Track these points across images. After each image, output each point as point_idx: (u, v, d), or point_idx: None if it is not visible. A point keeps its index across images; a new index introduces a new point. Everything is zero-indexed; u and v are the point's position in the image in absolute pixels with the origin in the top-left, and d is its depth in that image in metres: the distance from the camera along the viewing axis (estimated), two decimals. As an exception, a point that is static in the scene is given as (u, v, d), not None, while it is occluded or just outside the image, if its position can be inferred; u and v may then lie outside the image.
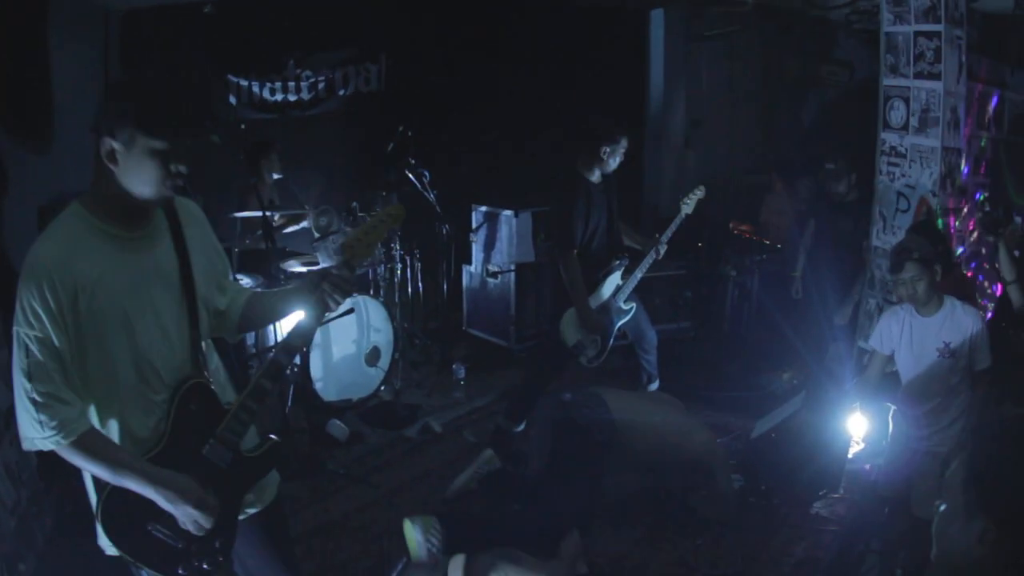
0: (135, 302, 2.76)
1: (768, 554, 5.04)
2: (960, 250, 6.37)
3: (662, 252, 6.49)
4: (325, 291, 2.95)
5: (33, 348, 2.57)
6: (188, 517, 2.79)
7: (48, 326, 2.57)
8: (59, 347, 2.60)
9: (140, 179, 2.67)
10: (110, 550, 2.84)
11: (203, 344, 3.00)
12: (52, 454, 2.65)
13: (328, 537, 5.23)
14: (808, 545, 5.10)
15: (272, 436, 3.11)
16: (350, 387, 7.03)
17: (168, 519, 2.80)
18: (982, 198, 6.32)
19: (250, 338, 6.90)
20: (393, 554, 4.51)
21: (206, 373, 2.97)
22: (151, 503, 2.75)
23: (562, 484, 5.02)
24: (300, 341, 3.02)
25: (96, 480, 2.77)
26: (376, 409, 7.10)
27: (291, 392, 6.49)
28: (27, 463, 4.40)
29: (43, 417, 2.58)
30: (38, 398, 2.57)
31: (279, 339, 6.48)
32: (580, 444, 5.11)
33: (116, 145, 2.63)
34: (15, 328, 2.59)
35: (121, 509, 2.76)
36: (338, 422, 6.54)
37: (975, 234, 6.48)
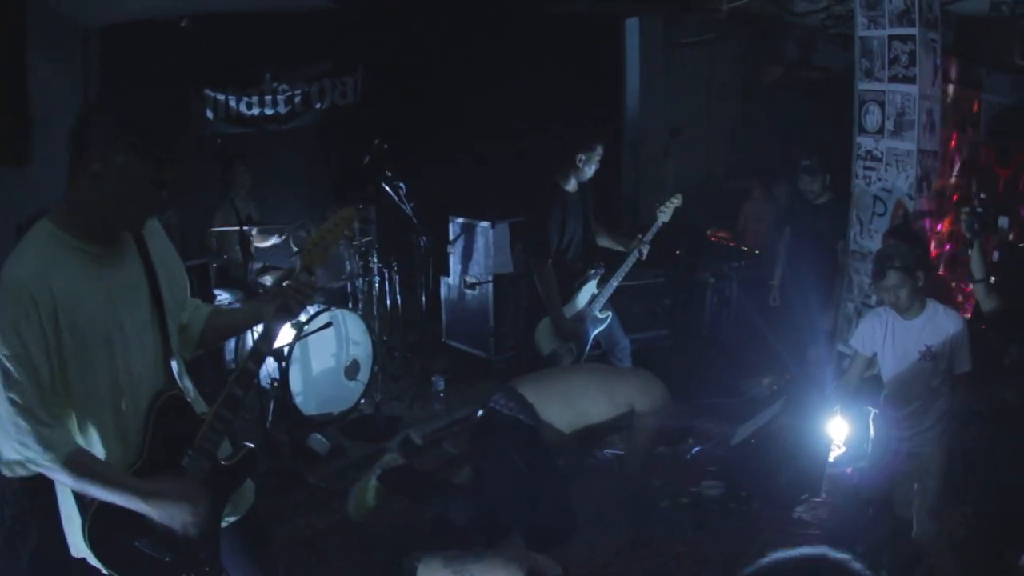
0: (111, 317, 2.75)
1: (750, 561, 5.03)
2: (938, 251, 6.40)
3: (645, 252, 6.50)
4: (288, 295, 2.97)
5: (12, 368, 2.52)
6: (184, 523, 2.79)
7: (29, 346, 2.54)
8: (39, 369, 2.56)
9: (128, 203, 2.69)
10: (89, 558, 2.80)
11: (175, 359, 3.00)
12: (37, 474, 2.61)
13: (311, 551, 5.23)
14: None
15: (247, 443, 3.13)
16: (330, 401, 7.00)
17: (154, 534, 2.79)
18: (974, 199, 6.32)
19: (229, 353, 6.90)
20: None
21: (179, 385, 2.98)
22: (137, 520, 2.73)
23: (500, 482, 5.02)
24: (266, 347, 3.05)
25: (80, 500, 2.75)
26: (356, 422, 7.08)
27: (272, 407, 6.48)
28: (9, 481, 4.37)
29: (26, 440, 2.54)
30: (19, 421, 2.52)
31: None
32: (508, 438, 5.12)
33: (103, 168, 2.62)
34: None
35: (107, 528, 2.74)
36: (319, 436, 6.52)
37: (951, 234, 6.51)
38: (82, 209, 2.69)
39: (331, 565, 5.13)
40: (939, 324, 4.67)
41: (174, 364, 2.98)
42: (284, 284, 3.02)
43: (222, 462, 3.02)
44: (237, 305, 6.87)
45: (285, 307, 2.99)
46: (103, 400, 2.76)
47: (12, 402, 2.52)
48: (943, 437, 4.58)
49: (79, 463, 2.62)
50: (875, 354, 4.96)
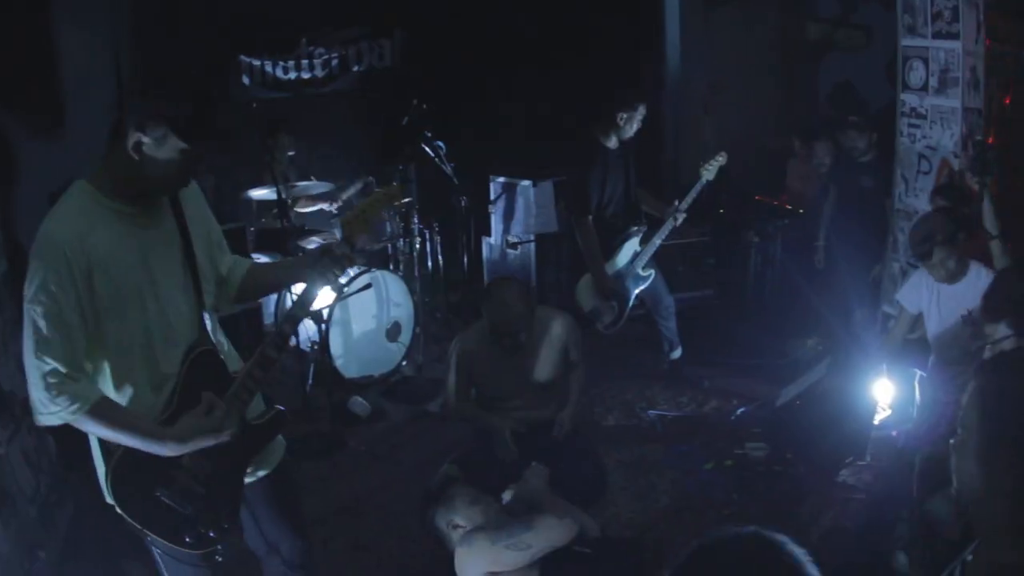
0: (145, 276, 2.84)
1: (795, 524, 4.98)
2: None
3: (680, 220, 6.40)
4: (325, 265, 3.03)
5: (42, 324, 2.62)
6: (208, 441, 2.85)
7: (61, 302, 2.63)
8: (70, 322, 2.65)
9: (163, 174, 2.77)
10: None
11: (208, 314, 3.07)
12: (71, 439, 2.78)
13: (352, 516, 5.24)
14: (836, 514, 5.03)
15: (278, 406, 3.20)
16: (371, 363, 6.99)
17: (175, 485, 2.87)
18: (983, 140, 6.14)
19: (268, 317, 6.90)
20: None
21: (213, 341, 3.06)
22: (159, 469, 2.83)
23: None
24: (302, 311, 3.16)
25: (105, 448, 2.86)
26: (398, 385, 7.09)
27: (311, 370, 6.49)
28: (46, 450, 4.39)
29: (53, 393, 2.63)
30: (48, 374, 2.63)
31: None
32: None
33: (145, 140, 2.69)
34: (26, 305, 2.64)
35: (130, 476, 2.83)
36: (360, 399, 6.52)
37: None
38: (118, 175, 2.77)
39: (372, 529, 5.12)
40: (981, 288, 4.54)
41: (207, 319, 3.05)
42: (324, 253, 3.08)
43: (251, 421, 3.09)
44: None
45: (323, 273, 3.05)
46: (136, 353, 2.85)
47: (42, 357, 2.63)
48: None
49: (104, 412, 2.71)
50: (920, 313, 4.86)
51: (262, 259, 6.86)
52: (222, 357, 3.08)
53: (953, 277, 4.61)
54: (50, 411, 2.66)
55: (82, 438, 2.87)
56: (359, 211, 3.18)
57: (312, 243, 7.21)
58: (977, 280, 4.56)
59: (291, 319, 3.14)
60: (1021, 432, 2.05)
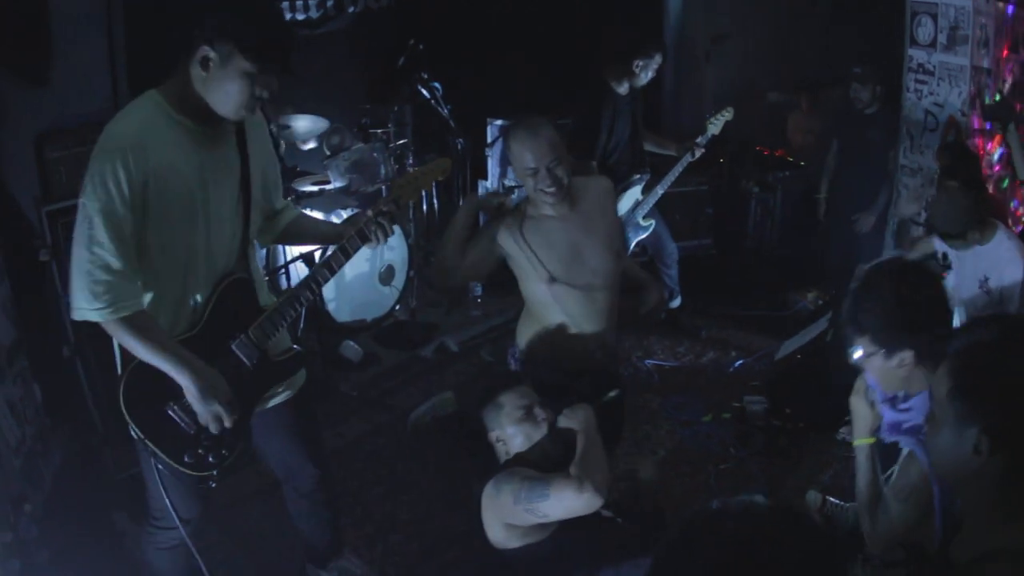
0: (200, 194, 2.90)
1: (793, 481, 4.92)
2: (987, 171, 6.14)
3: (698, 154, 6.37)
4: (367, 222, 3.21)
5: (97, 221, 2.68)
6: (211, 414, 2.92)
7: (116, 201, 2.68)
8: (123, 224, 2.71)
9: (225, 94, 2.79)
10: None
11: (251, 244, 3.17)
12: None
13: (341, 463, 5.15)
14: (835, 472, 4.97)
15: (297, 347, 3.34)
16: (364, 307, 6.88)
17: (186, 402, 2.93)
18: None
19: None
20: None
21: (249, 271, 3.17)
22: (174, 385, 2.89)
23: None
24: (337, 263, 3.23)
25: (124, 353, 2.93)
26: (391, 329, 6.98)
27: (303, 314, 6.37)
28: (31, 400, 4.28)
29: (98, 290, 2.70)
30: (98, 268, 2.70)
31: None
32: None
33: (212, 55, 2.72)
34: (82, 200, 2.70)
35: (144, 384, 2.90)
36: (352, 343, 6.43)
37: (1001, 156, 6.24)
38: (187, 89, 2.81)
39: (363, 475, 5.07)
40: (1000, 258, 4.42)
41: (248, 249, 3.15)
42: (368, 212, 3.24)
43: (272, 357, 3.19)
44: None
45: (362, 233, 3.20)
46: (176, 270, 2.93)
47: (94, 252, 2.69)
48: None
49: (139, 323, 2.80)
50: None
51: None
52: (255, 287, 3.17)
53: (980, 243, 4.46)
54: (92, 307, 2.72)
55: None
56: (411, 178, 3.40)
57: (303, 184, 7.09)
58: (998, 247, 4.42)
59: (327, 266, 3.22)
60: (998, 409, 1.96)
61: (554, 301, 3.79)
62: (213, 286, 3.03)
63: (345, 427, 5.56)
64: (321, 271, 3.18)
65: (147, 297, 2.90)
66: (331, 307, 6.55)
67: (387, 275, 6.93)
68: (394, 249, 6.96)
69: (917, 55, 6.11)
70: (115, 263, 2.71)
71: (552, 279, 3.72)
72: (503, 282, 7.14)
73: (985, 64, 5.73)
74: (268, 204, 3.32)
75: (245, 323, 3.06)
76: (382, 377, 6.28)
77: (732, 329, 6.86)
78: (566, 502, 3.10)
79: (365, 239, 3.21)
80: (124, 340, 2.82)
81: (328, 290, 6.51)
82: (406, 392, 6.05)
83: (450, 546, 4.47)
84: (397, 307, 7.10)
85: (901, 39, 6.23)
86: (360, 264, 6.79)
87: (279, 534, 4.23)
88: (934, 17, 5.89)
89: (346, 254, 3.22)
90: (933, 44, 5.96)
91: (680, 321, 6.84)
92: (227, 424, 2.95)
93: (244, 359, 3.06)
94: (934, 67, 5.99)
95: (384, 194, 7.42)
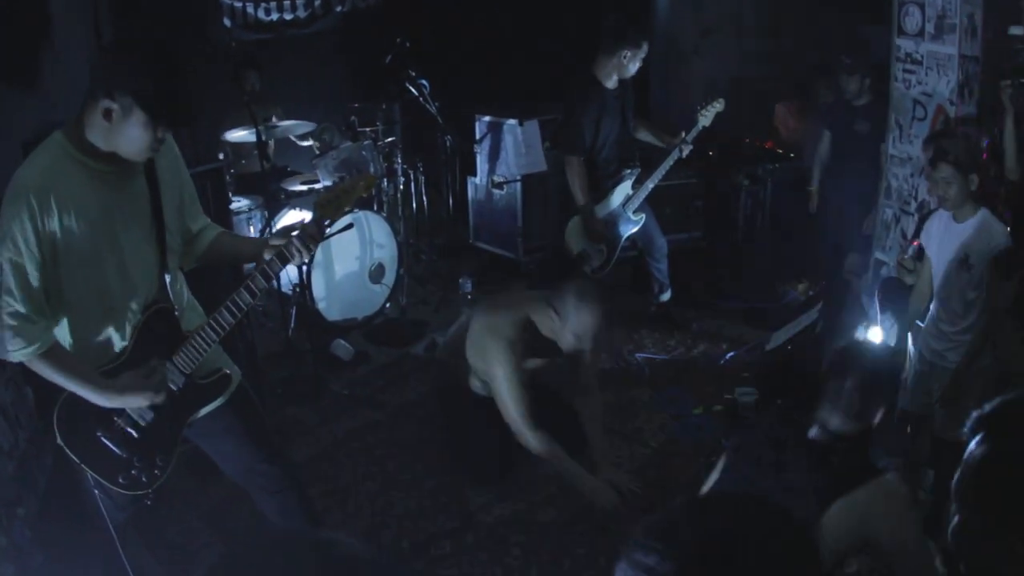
0: (110, 231, 2.94)
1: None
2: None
3: (686, 152, 6.32)
4: (292, 241, 3.18)
5: (7, 269, 2.74)
6: (138, 406, 3.07)
7: (23, 250, 2.74)
8: (32, 271, 2.77)
9: (129, 140, 2.81)
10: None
11: (169, 274, 3.19)
12: (50, 392, 2.98)
13: (332, 461, 5.16)
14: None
15: (225, 370, 3.37)
16: (354, 306, 6.88)
17: (114, 428, 3.08)
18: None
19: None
20: None
21: (171, 299, 3.19)
22: (102, 412, 3.03)
23: None
24: (258, 284, 3.19)
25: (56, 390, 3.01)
26: (381, 327, 6.98)
27: (293, 313, 6.38)
28: (24, 403, 4.27)
29: (11, 333, 2.80)
30: (8, 317, 2.78)
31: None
32: None
33: (114, 107, 2.74)
34: None
35: (74, 415, 3.02)
36: (343, 342, 6.43)
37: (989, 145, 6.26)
38: (90, 134, 2.83)
39: (355, 472, 5.06)
40: (983, 235, 4.42)
41: (168, 277, 3.17)
42: (292, 232, 3.23)
43: (197, 380, 3.26)
44: (255, 211, 6.84)
45: (282, 255, 3.18)
46: (94, 306, 2.99)
47: (3, 299, 2.77)
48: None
49: (54, 357, 2.90)
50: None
51: (243, 202, 6.79)
52: (177, 315, 3.21)
53: (956, 208, 4.46)
54: (8, 349, 2.82)
55: (61, 390, 2.99)
56: (333, 195, 3.30)
57: (292, 184, 7.08)
58: (981, 225, 4.42)
59: (248, 289, 3.19)
60: None
61: None
62: (136, 317, 3.10)
63: (337, 425, 5.54)
64: (241, 294, 3.17)
65: (68, 333, 3.00)
66: (321, 306, 6.55)
67: (377, 273, 6.94)
68: (383, 247, 6.97)
69: (905, 44, 6.10)
70: (24, 308, 2.78)
71: None
72: (493, 278, 7.19)
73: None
74: (185, 226, 3.33)
75: (170, 350, 3.14)
76: (373, 375, 6.26)
77: (723, 321, 6.86)
78: None
79: (285, 261, 3.20)
80: (44, 373, 2.91)
81: (318, 288, 6.53)
82: (397, 390, 6.03)
83: (442, 542, 4.47)
84: (387, 305, 7.10)
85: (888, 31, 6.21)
86: (350, 263, 6.80)
87: (271, 534, 4.22)
88: (921, 7, 5.89)
89: (267, 277, 3.21)
90: (921, 33, 5.95)
91: (670, 314, 6.83)
92: (158, 401, 3.06)
93: (170, 385, 3.13)
94: (922, 56, 5.99)
95: (374, 192, 7.45)
